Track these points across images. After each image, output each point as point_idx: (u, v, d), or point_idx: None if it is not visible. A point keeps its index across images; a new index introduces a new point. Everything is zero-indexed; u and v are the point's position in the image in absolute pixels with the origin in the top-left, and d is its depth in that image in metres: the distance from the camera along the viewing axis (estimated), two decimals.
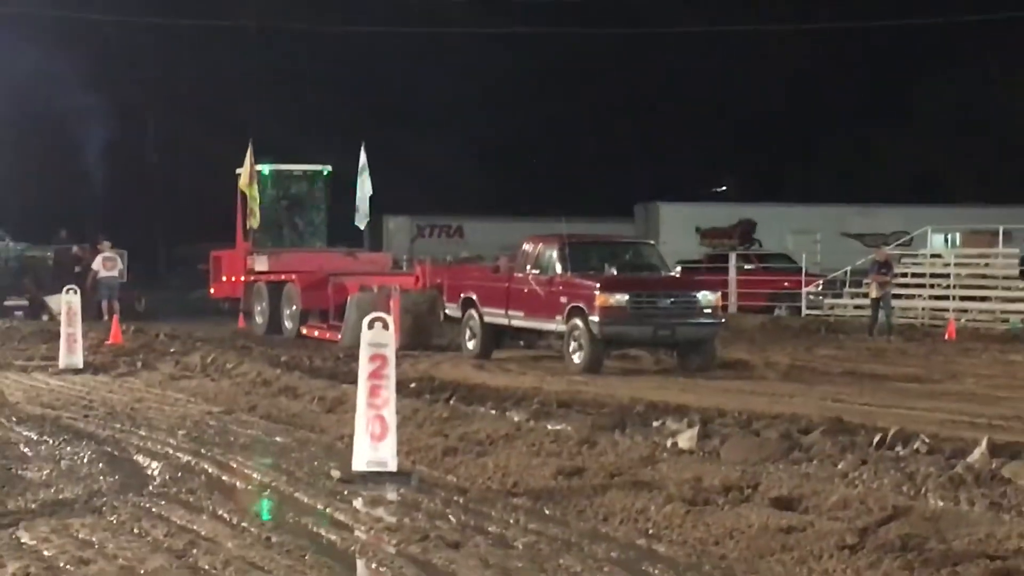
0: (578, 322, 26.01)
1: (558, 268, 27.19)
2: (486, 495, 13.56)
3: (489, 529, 11.89)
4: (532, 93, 68.55)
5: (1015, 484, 12.82)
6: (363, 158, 37.94)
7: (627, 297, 25.91)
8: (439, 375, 24.72)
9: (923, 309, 44.53)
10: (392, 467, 14.00)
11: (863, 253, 49.88)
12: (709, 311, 26.77)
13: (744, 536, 11.12)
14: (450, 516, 12.45)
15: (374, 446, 13.97)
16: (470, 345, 29.41)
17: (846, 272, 49.10)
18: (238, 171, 38.41)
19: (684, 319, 26.39)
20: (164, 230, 66.29)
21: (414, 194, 42.32)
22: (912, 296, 45.58)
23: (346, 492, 13.61)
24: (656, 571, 10.37)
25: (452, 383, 23.06)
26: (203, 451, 16.53)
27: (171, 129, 66.13)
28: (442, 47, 66.56)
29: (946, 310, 43.06)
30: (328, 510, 12.89)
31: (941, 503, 12.13)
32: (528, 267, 28.09)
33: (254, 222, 38.19)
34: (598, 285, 26.07)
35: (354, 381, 14.95)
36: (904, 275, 45.56)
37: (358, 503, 13.14)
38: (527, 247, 28.80)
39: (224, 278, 40.59)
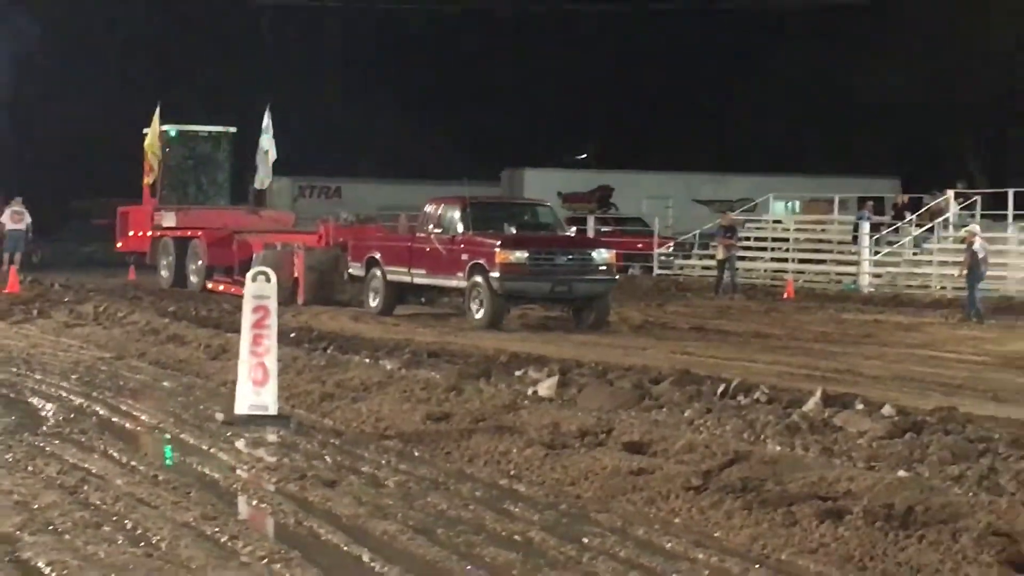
0: (479, 279, 25.66)
1: (460, 228, 26.84)
2: (360, 438, 13.57)
3: (362, 469, 11.90)
4: (406, 64, 68.17)
5: (845, 431, 13.00)
6: (267, 120, 37.26)
7: (526, 254, 25.61)
8: (318, 326, 24.68)
9: (765, 270, 45.02)
10: (272, 411, 13.98)
11: (711, 218, 50.20)
12: (604, 268, 26.47)
13: (598, 477, 11.19)
14: (326, 457, 12.45)
15: (256, 391, 13.94)
16: (373, 302, 28.88)
17: (695, 235, 49.49)
18: (145, 131, 37.87)
19: (580, 276, 26.05)
20: (58, 185, 65.11)
21: (295, 156, 41.93)
22: (755, 258, 46.07)
23: (229, 434, 13.57)
24: (517, 509, 10.41)
25: (330, 334, 23.03)
26: (95, 394, 16.41)
27: (75, 88, 64.59)
28: (324, 13, 66.13)
29: (785, 271, 43.53)
30: (212, 450, 12.83)
31: (778, 448, 12.27)
32: (430, 227, 27.66)
33: (149, 179, 37.80)
34: (498, 243, 25.73)
35: (238, 330, 14.84)
36: (748, 239, 46.00)
37: (240, 444, 13.10)
38: (429, 208, 28.41)
39: (131, 233, 39.71)
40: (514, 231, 26.87)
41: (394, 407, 14.70)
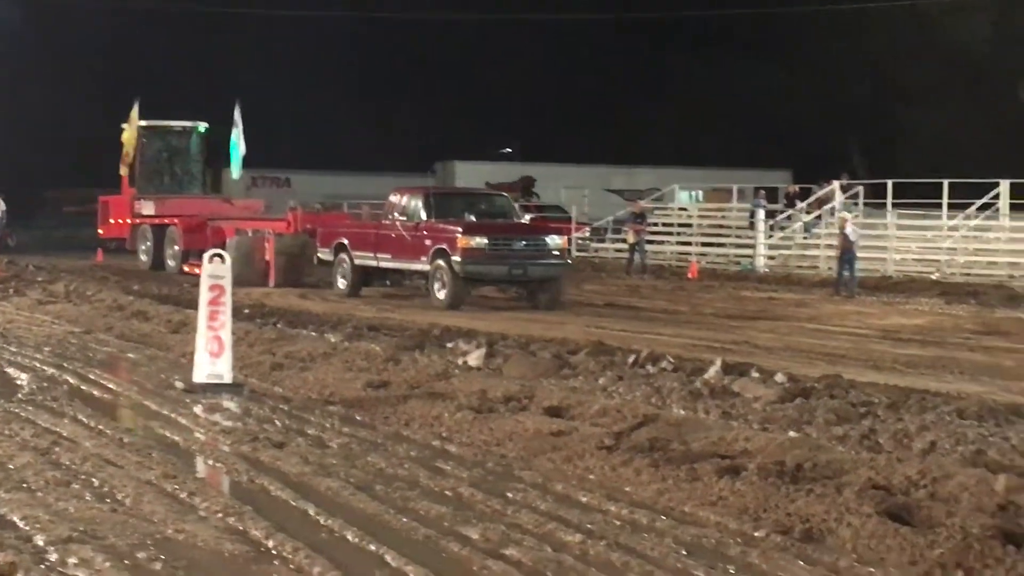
0: (441, 262, 25.26)
1: (423, 215, 26.39)
2: (306, 403, 13.52)
3: (308, 432, 11.86)
4: (352, 65, 67.91)
5: (742, 397, 13.09)
6: (237, 115, 36.50)
7: (486, 240, 25.22)
8: (269, 303, 24.57)
9: (671, 253, 45.14)
10: (227, 379, 13.92)
11: (622, 206, 50.35)
12: (557, 253, 26.24)
13: (521, 438, 11.21)
14: (276, 421, 12.40)
15: (212, 361, 13.88)
16: (340, 284, 28.45)
17: (608, 221, 49.63)
18: (123, 125, 37.28)
19: (535, 260, 25.67)
20: (32, 175, 64.31)
21: (248, 149, 41.48)
22: (662, 242, 46.21)
23: (188, 400, 13.49)
24: (448, 467, 10.41)
25: (280, 310, 22.97)
26: (65, 365, 16.28)
27: (49, 82, 63.62)
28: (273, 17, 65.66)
29: (689, 254, 43.67)
30: (172, 415, 12.75)
31: (682, 412, 12.32)
32: (395, 215, 27.17)
33: (124, 169, 37.21)
34: (460, 229, 25.33)
35: (196, 307, 14.77)
36: (656, 224, 46.15)
37: (198, 409, 13.02)
38: (394, 198, 27.98)
39: (112, 220, 39.07)
40: (473, 218, 26.55)
41: (337, 376, 14.68)
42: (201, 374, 13.94)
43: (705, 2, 58.89)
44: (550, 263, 25.95)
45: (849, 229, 32.63)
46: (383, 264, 27.55)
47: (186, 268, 33.92)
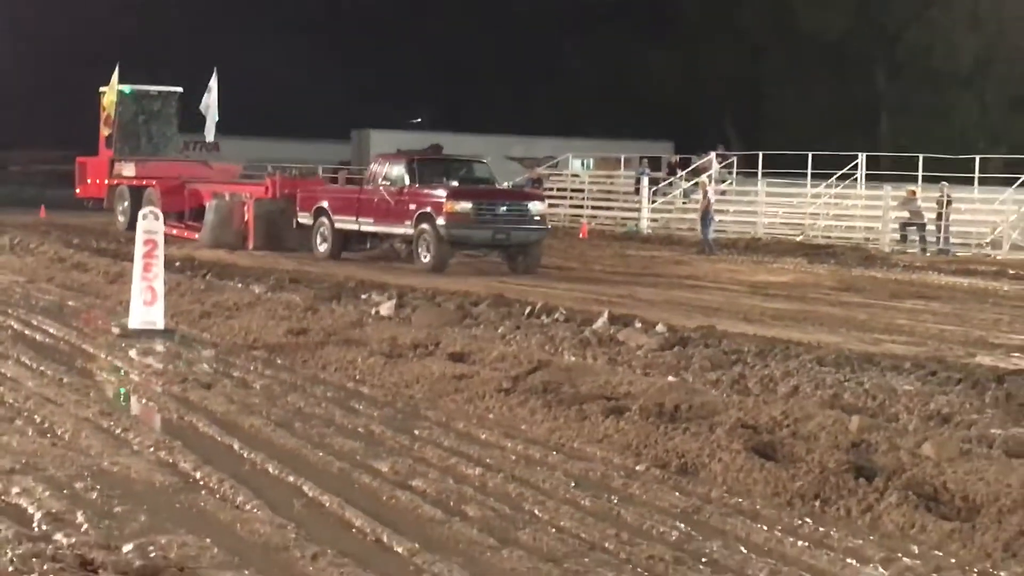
0: (426, 226, 23.63)
1: (407, 180, 24.56)
2: (232, 348, 13.42)
3: (234, 374, 11.79)
4: (278, 36, 66.81)
5: (626, 345, 13.15)
6: (213, 81, 34.84)
7: (471, 204, 23.59)
8: (199, 257, 24.29)
9: (564, 215, 45.16)
10: (160, 326, 13.82)
11: (521, 172, 50.28)
12: (538, 219, 24.59)
13: (428, 381, 11.20)
14: (204, 364, 12.31)
15: (146, 309, 13.77)
16: (321, 248, 26.43)
17: (508, 185, 49.52)
18: (102, 89, 35.77)
19: (518, 225, 24.04)
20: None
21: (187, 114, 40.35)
22: (556, 205, 46.14)
23: (123, 345, 13.34)
24: (361, 407, 10.40)
25: (209, 263, 22.70)
26: (10, 311, 16.02)
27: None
28: None
29: (581, 216, 43.76)
30: (109, 358, 12.63)
31: (573, 358, 12.37)
32: (379, 180, 25.36)
33: (105, 130, 35.65)
34: (446, 194, 23.65)
35: (132, 259, 14.60)
36: (551, 189, 46.17)
37: (132, 353, 12.89)
38: (377, 164, 26.39)
39: (89, 181, 36.85)
40: (457, 184, 24.84)
41: (261, 323, 14.57)
42: (136, 321, 13.82)
43: None
44: (532, 228, 24.41)
45: (710, 192, 33.15)
46: (365, 228, 25.75)
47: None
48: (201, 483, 7.86)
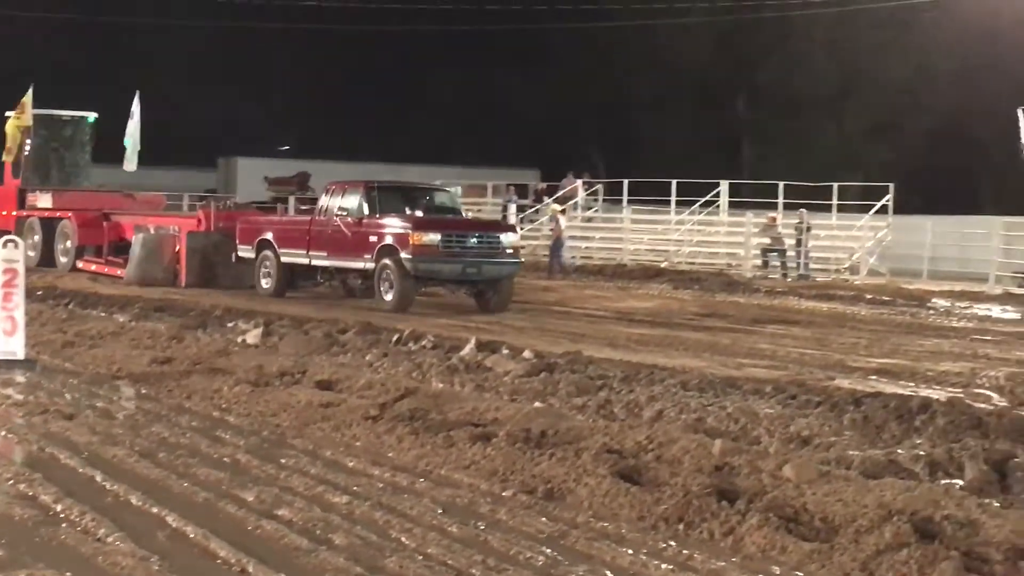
0: (388, 261, 21.41)
1: (366, 210, 22.29)
2: (95, 378, 13.18)
3: (97, 404, 11.57)
4: (143, 57, 65.76)
5: (494, 371, 13.20)
6: (135, 107, 32.53)
7: (439, 236, 21.44)
8: (61, 285, 23.87)
9: None
10: (20, 356, 13.50)
11: None
12: (511, 251, 22.48)
13: (294, 409, 11.11)
14: (66, 394, 12.06)
15: (6, 340, 13.44)
16: (264, 284, 24.25)
17: None
18: (8, 114, 32.30)
19: (489, 258, 21.92)
20: None
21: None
22: None
23: None
24: (227, 436, 10.27)
25: (72, 291, 22.34)
26: None
27: None
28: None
29: None
30: None
31: (441, 385, 12.35)
32: (333, 210, 23.07)
33: (9, 157, 32.33)
34: (411, 225, 21.61)
35: None
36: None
37: None
38: (330, 191, 23.81)
39: None
40: (421, 213, 22.85)
41: (125, 352, 14.37)
42: None
43: (466, 17, 59.11)
44: (504, 262, 22.31)
45: (561, 221, 33.55)
46: (316, 262, 23.49)
47: (80, 265, 29.33)
48: (62, 516, 7.70)
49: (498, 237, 22.50)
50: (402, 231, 21.54)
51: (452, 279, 22.05)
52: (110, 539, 7.20)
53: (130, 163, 32.86)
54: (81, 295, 21.70)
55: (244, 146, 60.53)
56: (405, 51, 67.02)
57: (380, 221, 22.05)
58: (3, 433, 10.35)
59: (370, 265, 21.91)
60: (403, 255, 21.16)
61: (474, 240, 21.97)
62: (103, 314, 18.52)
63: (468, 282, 22.18)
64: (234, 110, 66.40)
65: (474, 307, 22.38)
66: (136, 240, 26.76)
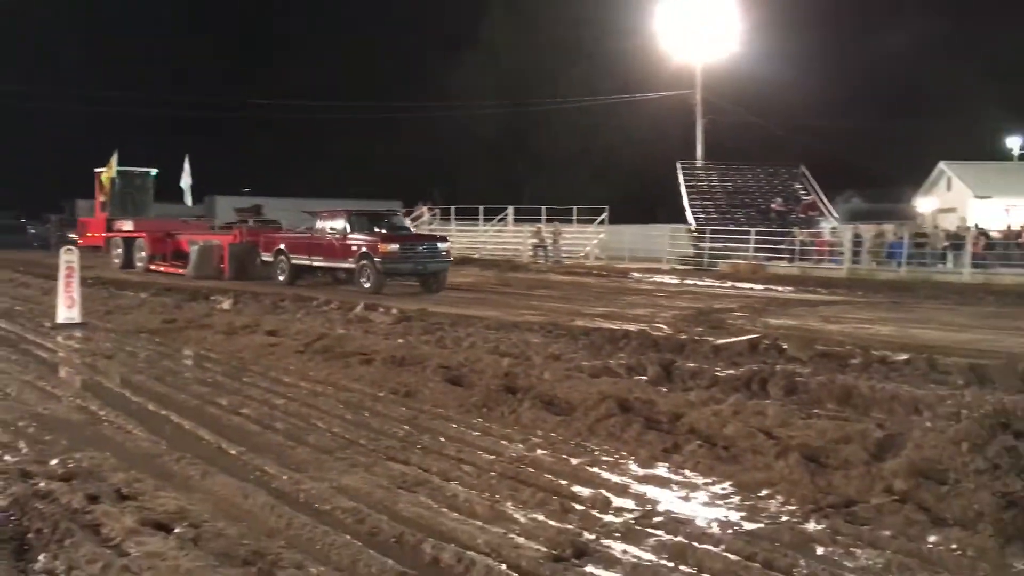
0: (366, 262, 20.53)
1: (348, 229, 21.31)
2: (127, 334, 12.60)
3: (127, 349, 11.07)
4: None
5: (373, 321, 13.04)
6: (187, 164, 30.92)
7: (398, 246, 20.52)
8: (105, 275, 22.77)
9: None
10: (78, 320, 12.92)
11: (309, 220, 48.83)
12: (445, 254, 21.40)
13: (252, 347, 10.82)
14: (107, 343, 11.50)
15: (68, 310, 12.87)
16: (281, 278, 22.81)
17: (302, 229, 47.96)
18: (99, 169, 30.55)
19: (431, 259, 20.94)
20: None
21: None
22: None
23: (52, 333, 12.38)
24: (209, 366, 9.95)
25: (112, 280, 21.35)
26: None
27: None
28: None
29: None
30: (43, 342, 11.67)
31: (342, 331, 12.15)
32: (325, 229, 21.91)
33: (103, 197, 30.37)
34: (379, 239, 20.77)
35: (58, 279, 13.60)
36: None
37: (59, 338, 11.96)
38: (322, 218, 22.52)
39: (90, 234, 30.85)
40: (385, 231, 21.62)
41: (145, 316, 13.79)
42: (61, 317, 12.91)
43: (363, 109, 57.79)
44: (441, 261, 21.29)
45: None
46: (316, 264, 22.34)
47: (152, 267, 27.13)
48: (103, 418, 7.38)
49: (436, 245, 21.53)
50: (374, 242, 20.73)
51: (408, 273, 21.07)
52: (134, 431, 6.94)
53: (187, 198, 31.60)
54: (117, 282, 20.74)
55: (220, 188, 58.47)
56: (315, 128, 65.23)
57: (358, 236, 21.23)
58: (66, 368, 9.89)
59: (353, 265, 21.07)
60: (376, 259, 20.41)
61: (422, 248, 21.04)
62: (131, 293, 17.73)
63: (418, 275, 21.23)
64: (215, 166, 63.91)
65: (420, 290, 21.33)
66: (193, 250, 25.41)
